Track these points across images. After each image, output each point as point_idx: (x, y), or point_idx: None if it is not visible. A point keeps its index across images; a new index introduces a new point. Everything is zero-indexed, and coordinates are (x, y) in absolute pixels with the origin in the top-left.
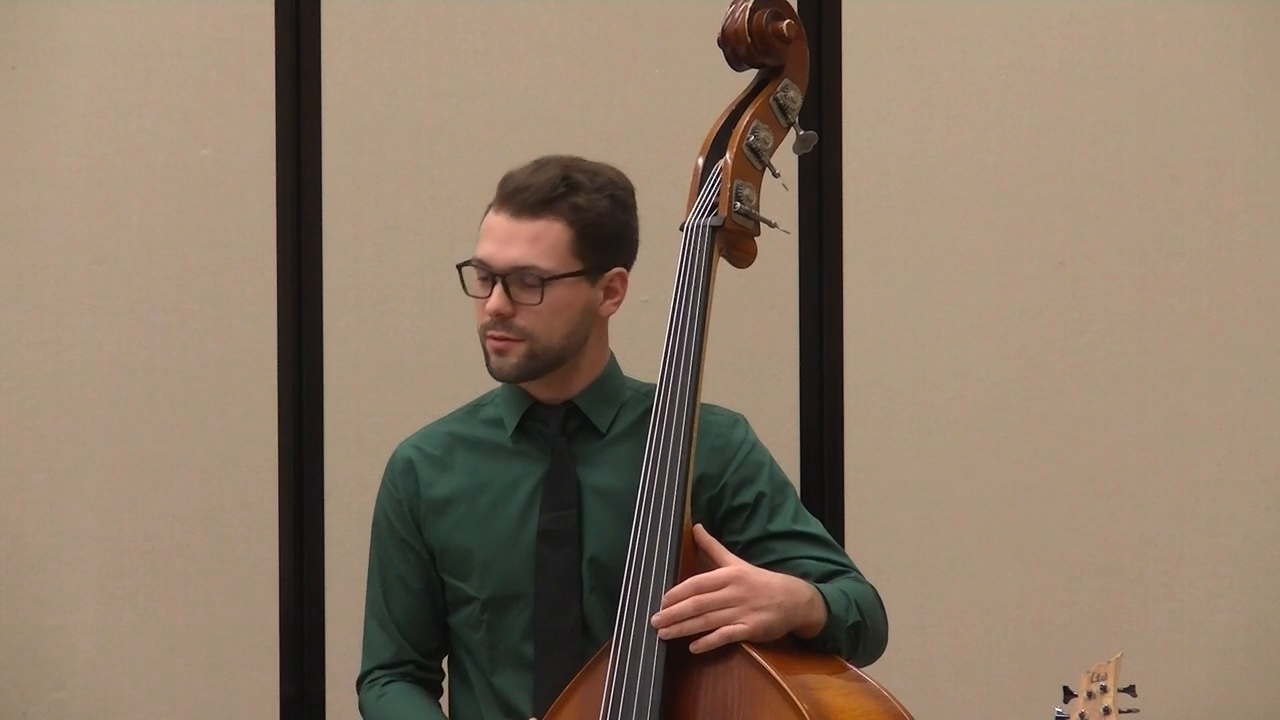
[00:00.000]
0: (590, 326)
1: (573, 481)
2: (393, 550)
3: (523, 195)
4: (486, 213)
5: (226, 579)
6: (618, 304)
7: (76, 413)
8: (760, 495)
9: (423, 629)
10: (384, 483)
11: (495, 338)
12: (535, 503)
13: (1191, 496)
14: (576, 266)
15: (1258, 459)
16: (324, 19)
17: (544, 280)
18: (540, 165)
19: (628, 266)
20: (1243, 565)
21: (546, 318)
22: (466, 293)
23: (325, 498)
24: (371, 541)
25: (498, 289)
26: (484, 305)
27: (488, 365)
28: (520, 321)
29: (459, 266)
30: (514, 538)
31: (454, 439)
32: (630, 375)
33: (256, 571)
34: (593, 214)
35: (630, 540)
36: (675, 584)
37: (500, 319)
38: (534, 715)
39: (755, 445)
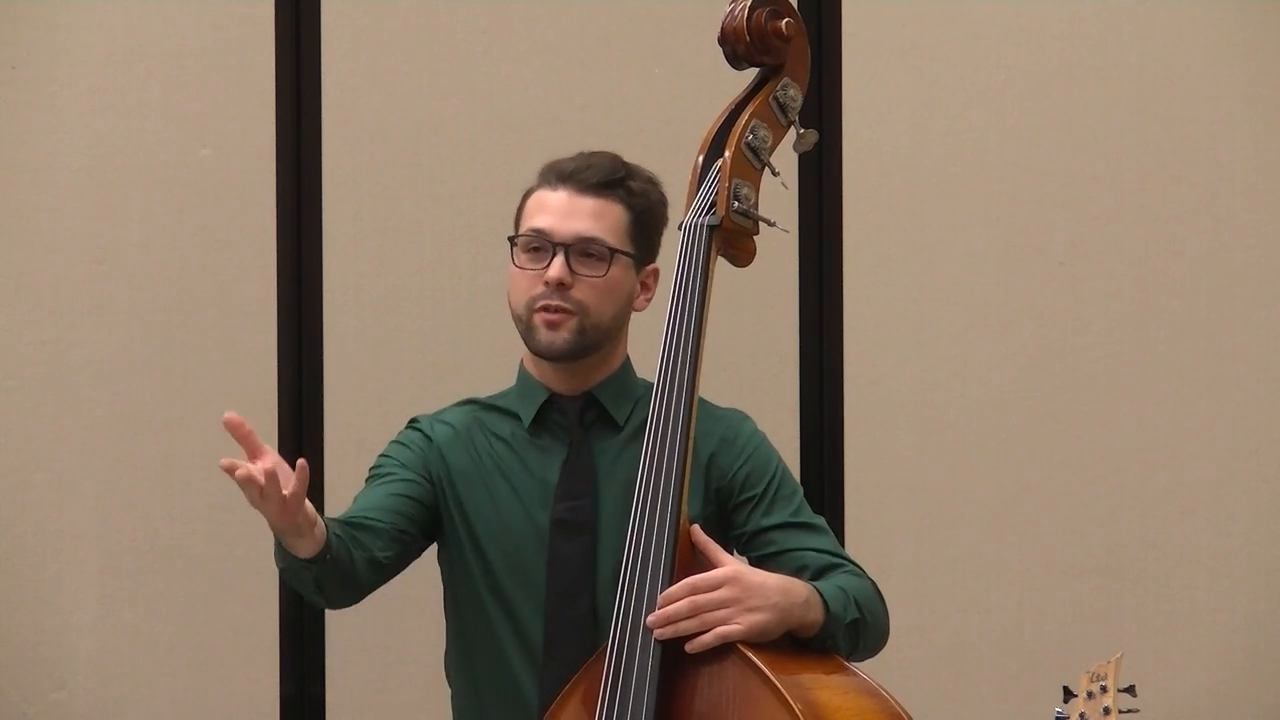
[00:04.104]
0: (627, 316)
1: (590, 472)
2: (400, 454)
3: (585, 174)
4: (527, 196)
5: (226, 579)
6: (648, 300)
7: (76, 413)
8: (767, 488)
9: (383, 510)
10: (409, 429)
11: (549, 309)
12: (550, 493)
13: (1191, 496)
14: (630, 249)
15: (1258, 459)
16: (324, 19)
17: (612, 253)
18: (592, 153)
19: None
20: (1243, 565)
21: (603, 293)
22: (514, 264)
23: (325, 498)
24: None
25: (559, 259)
26: (534, 277)
27: (533, 341)
28: (577, 294)
29: (510, 239)
30: (528, 527)
31: (475, 424)
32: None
33: (256, 571)
34: (646, 201)
35: (626, 539)
36: (671, 584)
37: (560, 288)
38: (540, 704)
39: (764, 440)
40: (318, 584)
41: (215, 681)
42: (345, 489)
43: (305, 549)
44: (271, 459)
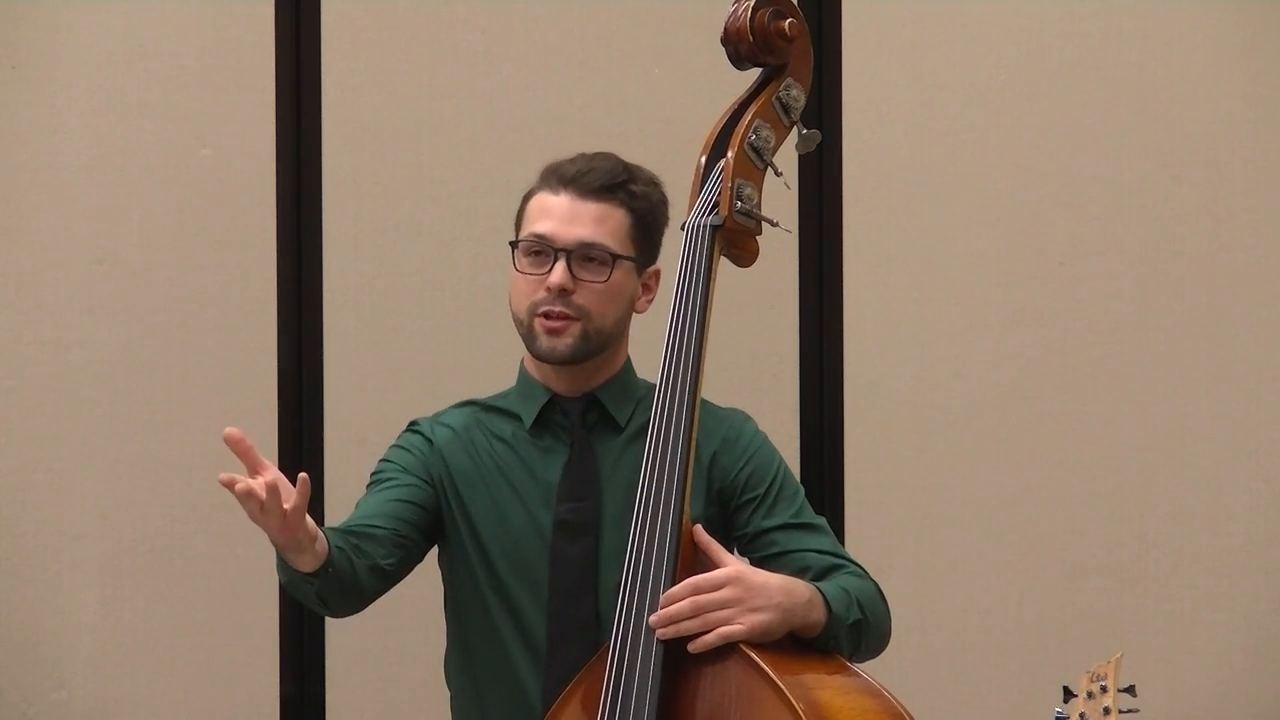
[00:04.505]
0: (629, 319)
1: (593, 473)
2: (401, 458)
3: (587, 178)
4: (528, 199)
5: (226, 579)
6: (649, 302)
7: (76, 413)
8: (769, 489)
9: (384, 516)
10: (409, 432)
11: (551, 316)
12: (552, 494)
13: (1191, 496)
14: (633, 253)
15: (1258, 459)
16: (324, 19)
17: (614, 258)
18: (593, 155)
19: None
20: (1243, 565)
21: (605, 298)
22: (516, 269)
23: (325, 497)
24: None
25: (560, 265)
26: (535, 282)
27: (534, 346)
28: (579, 299)
29: (512, 244)
30: (530, 528)
31: (475, 426)
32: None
33: (256, 571)
34: (648, 204)
35: (629, 539)
36: (673, 584)
37: (562, 294)
38: (543, 704)
39: (766, 440)
40: (320, 597)
41: (215, 681)
42: (346, 490)
43: (307, 564)
44: (272, 473)
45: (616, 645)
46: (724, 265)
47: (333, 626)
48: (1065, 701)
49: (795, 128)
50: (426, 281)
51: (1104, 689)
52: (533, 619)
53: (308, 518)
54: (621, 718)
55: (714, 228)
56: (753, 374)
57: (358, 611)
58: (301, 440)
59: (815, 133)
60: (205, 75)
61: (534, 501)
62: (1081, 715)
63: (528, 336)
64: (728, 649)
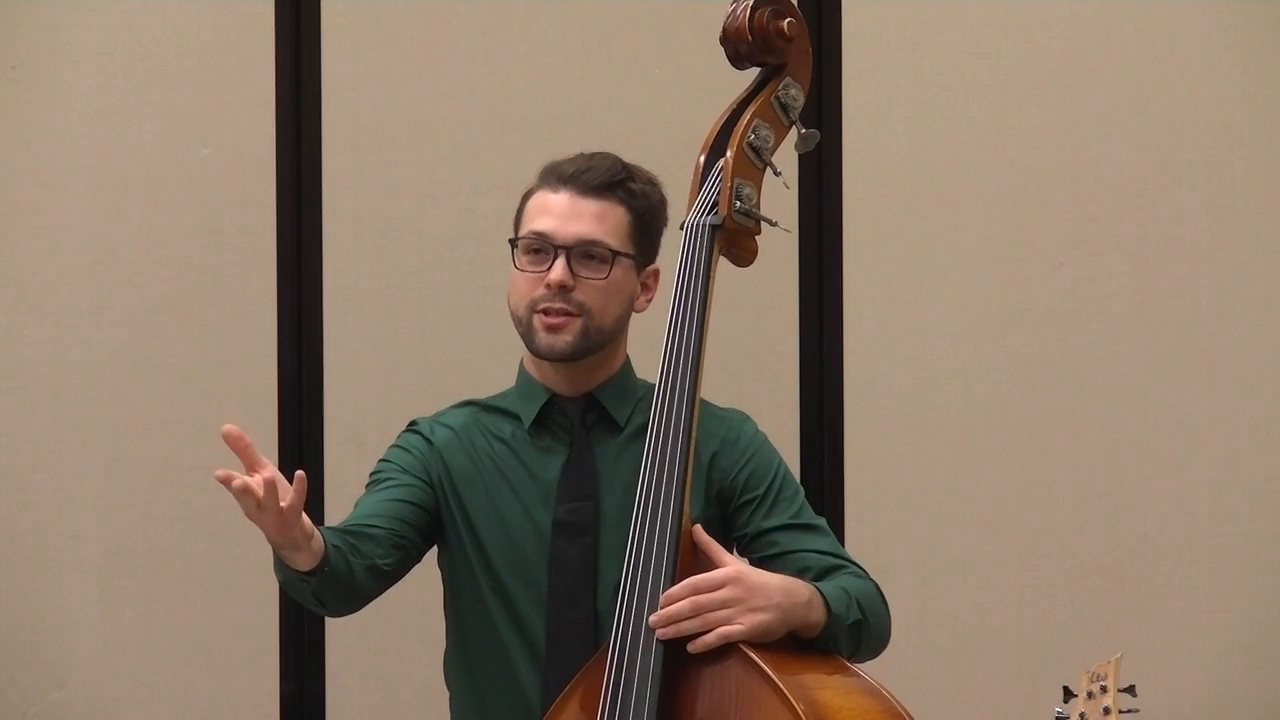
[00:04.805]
0: (628, 317)
1: (591, 473)
2: (400, 459)
3: (586, 176)
4: (527, 198)
5: (226, 579)
6: (649, 301)
7: (76, 413)
8: (769, 489)
9: (383, 516)
10: (409, 432)
11: (550, 312)
12: (552, 494)
13: (1191, 496)
14: (632, 251)
15: (1258, 459)
16: (324, 19)
17: (614, 255)
18: (593, 154)
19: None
20: (1243, 565)
21: (605, 295)
22: (515, 267)
23: (325, 497)
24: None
25: (560, 262)
26: (534, 280)
27: (533, 343)
28: (579, 296)
29: (511, 241)
30: (529, 528)
31: (474, 426)
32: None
33: (256, 571)
34: (647, 203)
35: (629, 539)
36: (673, 583)
37: (562, 291)
38: (542, 705)
39: (766, 441)
40: (317, 596)
41: (215, 681)
42: (345, 490)
43: (303, 562)
44: (269, 470)
45: (616, 645)
46: (724, 265)
47: (333, 626)
48: (1065, 701)
49: (794, 127)
50: (426, 281)
51: (1104, 689)
52: (532, 619)
53: (304, 516)
54: (621, 717)
55: (713, 227)
56: (753, 374)
57: (355, 611)
58: (301, 440)
59: (814, 132)
60: (205, 75)
61: (533, 502)
62: (1081, 715)
63: (527, 334)
64: (728, 649)
